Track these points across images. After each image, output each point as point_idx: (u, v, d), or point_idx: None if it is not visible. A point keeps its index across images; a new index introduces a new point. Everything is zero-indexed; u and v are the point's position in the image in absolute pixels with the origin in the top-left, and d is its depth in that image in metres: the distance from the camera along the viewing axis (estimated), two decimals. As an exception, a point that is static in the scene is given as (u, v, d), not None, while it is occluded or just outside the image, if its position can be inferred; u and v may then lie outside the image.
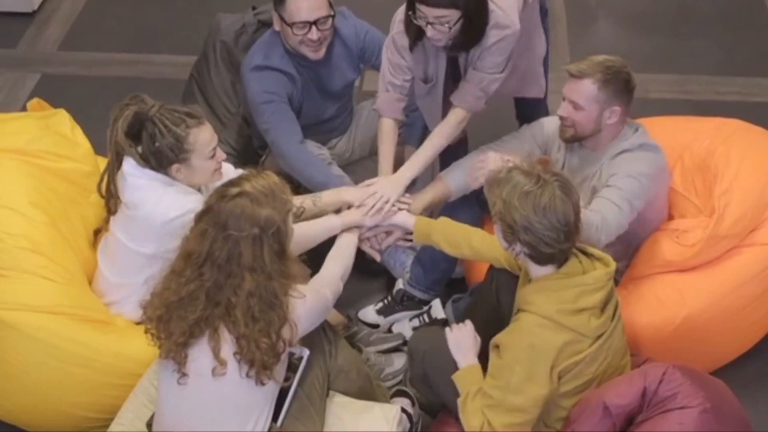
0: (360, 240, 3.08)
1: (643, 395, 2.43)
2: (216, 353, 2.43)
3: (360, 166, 3.71)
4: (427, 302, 3.42)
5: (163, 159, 2.80)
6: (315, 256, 2.87)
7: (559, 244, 2.48)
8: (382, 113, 3.29)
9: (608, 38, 5.02)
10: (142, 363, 2.87)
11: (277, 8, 3.23)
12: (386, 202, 3.09)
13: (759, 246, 3.07)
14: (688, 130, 3.36)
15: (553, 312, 2.48)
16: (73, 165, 3.25)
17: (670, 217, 3.25)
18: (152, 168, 2.82)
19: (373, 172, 3.28)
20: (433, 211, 3.34)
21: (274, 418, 2.62)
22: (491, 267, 2.98)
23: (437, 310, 3.38)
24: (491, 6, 3.04)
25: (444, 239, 2.94)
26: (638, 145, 2.97)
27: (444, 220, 3.04)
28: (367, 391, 2.89)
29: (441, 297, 3.41)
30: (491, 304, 2.92)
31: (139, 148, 2.82)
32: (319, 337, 2.78)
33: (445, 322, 3.31)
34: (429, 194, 3.20)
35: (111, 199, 2.94)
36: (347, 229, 3.05)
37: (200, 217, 2.48)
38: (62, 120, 3.40)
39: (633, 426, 2.45)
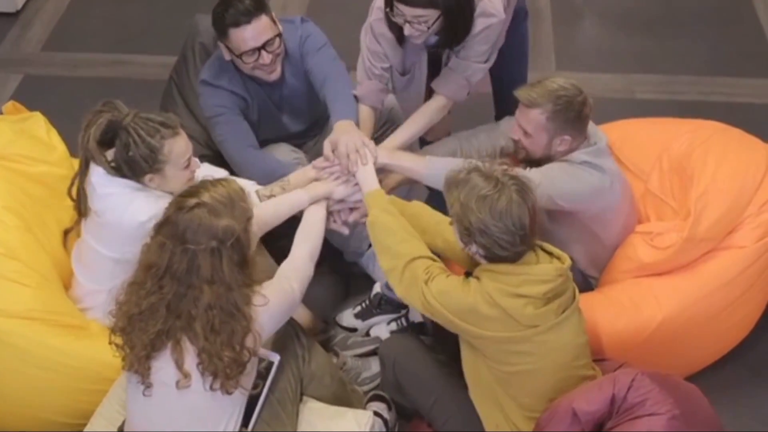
0: (327, 214, 2.99)
1: (612, 402, 2.41)
2: (179, 366, 2.41)
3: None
4: (404, 306, 3.39)
5: (136, 168, 2.77)
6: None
7: (513, 247, 2.49)
8: (362, 101, 3.27)
9: (594, 38, 4.99)
10: (115, 368, 2.81)
11: (223, 41, 3.17)
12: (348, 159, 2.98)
13: (736, 249, 3.04)
14: (666, 132, 3.33)
15: (492, 289, 2.50)
16: (48, 168, 3.24)
17: (646, 220, 3.23)
18: (123, 176, 2.80)
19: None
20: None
21: (245, 424, 2.62)
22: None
23: (414, 313, 3.37)
24: None
25: (414, 224, 2.87)
26: (579, 162, 2.94)
27: (418, 204, 2.97)
28: (341, 396, 2.88)
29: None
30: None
31: (110, 155, 2.78)
32: (291, 342, 2.77)
33: (422, 326, 3.30)
34: (403, 162, 3.06)
35: (81, 202, 2.91)
36: (315, 202, 2.97)
37: (158, 229, 2.46)
38: (38, 123, 3.39)
39: (602, 432, 2.44)
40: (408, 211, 2.89)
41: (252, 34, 3.10)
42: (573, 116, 2.91)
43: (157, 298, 2.41)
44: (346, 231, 3.09)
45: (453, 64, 3.19)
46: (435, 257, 2.70)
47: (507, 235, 2.46)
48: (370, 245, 3.27)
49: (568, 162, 2.96)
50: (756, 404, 3.23)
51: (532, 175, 2.86)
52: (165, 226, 2.44)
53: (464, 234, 2.54)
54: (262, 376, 2.64)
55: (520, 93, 2.93)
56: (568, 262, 2.57)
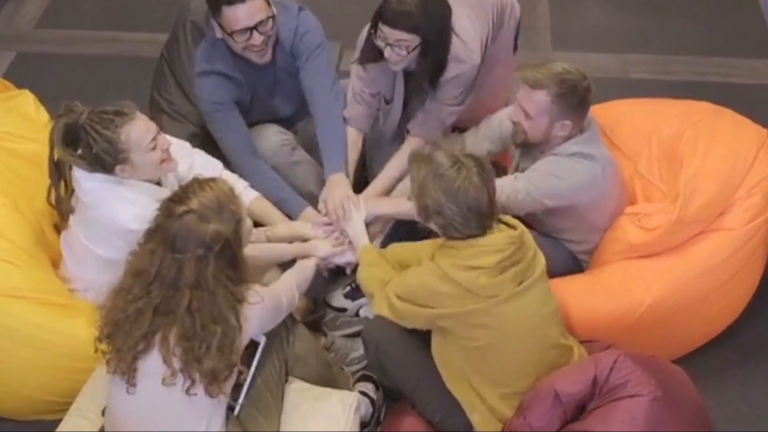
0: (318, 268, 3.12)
1: (594, 383, 2.41)
2: (167, 361, 2.41)
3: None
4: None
5: (103, 164, 2.76)
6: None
7: (467, 229, 2.52)
8: (350, 123, 3.33)
9: (591, 17, 4.96)
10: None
11: (215, 18, 3.14)
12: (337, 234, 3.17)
13: (726, 231, 3.03)
14: (658, 113, 3.31)
15: (444, 264, 2.54)
16: (37, 146, 3.22)
17: (636, 201, 3.21)
18: (101, 172, 2.79)
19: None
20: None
21: (231, 408, 2.62)
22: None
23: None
24: (453, 39, 3.05)
25: (398, 266, 2.93)
26: (570, 153, 2.92)
27: (393, 248, 3.04)
28: (326, 377, 2.88)
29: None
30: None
31: (80, 153, 2.78)
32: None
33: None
34: (388, 210, 3.22)
35: (61, 207, 2.92)
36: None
37: (149, 236, 2.46)
38: (26, 101, 3.38)
39: (584, 414, 2.43)
40: (387, 259, 2.97)
41: (245, 13, 3.08)
42: (576, 101, 2.89)
43: (144, 303, 2.41)
44: (326, 273, 3.24)
45: (428, 107, 3.23)
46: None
47: (460, 217, 2.50)
48: None
49: (557, 156, 2.94)
50: (745, 387, 3.23)
51: (518, 185, 2.90)
52: (155, 234, 2.44)
53: (421, 212, 2.59)
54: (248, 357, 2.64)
55: (525, 74, 2.90)
56: (520, 229, 2.59)
